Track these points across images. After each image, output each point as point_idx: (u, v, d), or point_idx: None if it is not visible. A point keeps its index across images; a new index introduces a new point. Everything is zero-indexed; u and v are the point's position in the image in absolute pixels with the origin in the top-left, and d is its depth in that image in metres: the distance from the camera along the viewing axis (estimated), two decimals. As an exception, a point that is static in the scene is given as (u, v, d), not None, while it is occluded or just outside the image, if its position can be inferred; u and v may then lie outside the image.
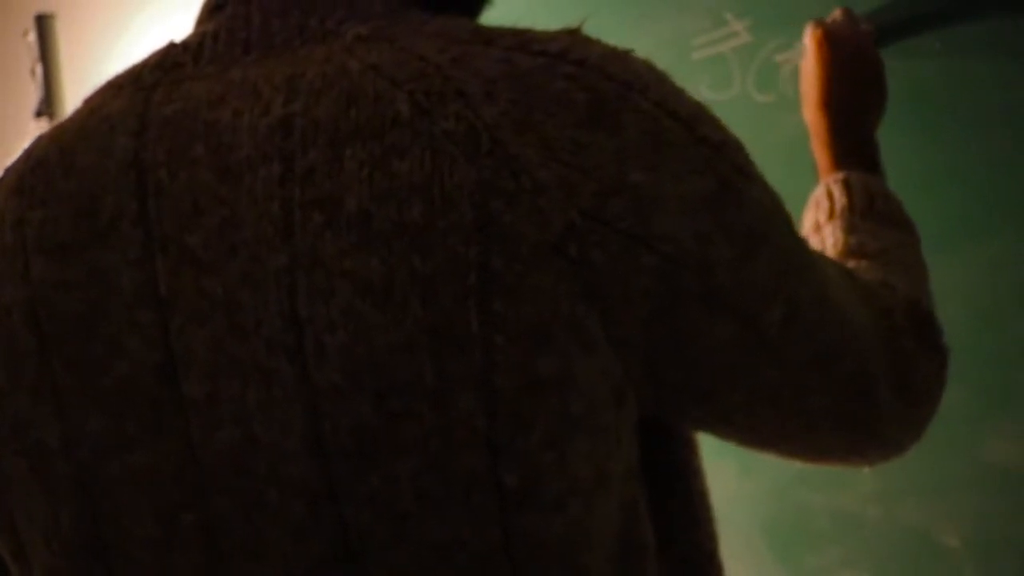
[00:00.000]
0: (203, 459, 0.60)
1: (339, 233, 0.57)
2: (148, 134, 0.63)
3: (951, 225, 1.15)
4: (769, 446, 0.73)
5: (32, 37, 1.76)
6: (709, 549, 0.72)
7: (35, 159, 0.67)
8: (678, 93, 0.64)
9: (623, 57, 0.63)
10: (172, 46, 0.68)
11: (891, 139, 1.17)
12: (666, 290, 0.60)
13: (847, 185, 0.94)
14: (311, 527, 0.59)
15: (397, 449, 0.57)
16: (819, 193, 0.95)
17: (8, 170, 0.68)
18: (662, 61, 1.30)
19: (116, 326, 0.61)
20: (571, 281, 0.58)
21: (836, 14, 1.12)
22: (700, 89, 1.27)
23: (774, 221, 0.66)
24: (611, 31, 1.32)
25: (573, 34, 0.64)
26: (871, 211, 0.91)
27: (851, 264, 0.84)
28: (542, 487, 0.59)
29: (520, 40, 0.62)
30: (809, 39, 1.08)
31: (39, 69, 1.74)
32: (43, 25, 1.75)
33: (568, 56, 0.61)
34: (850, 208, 0.92)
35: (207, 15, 0.69)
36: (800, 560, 1.29)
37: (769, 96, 1.25)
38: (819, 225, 0.91)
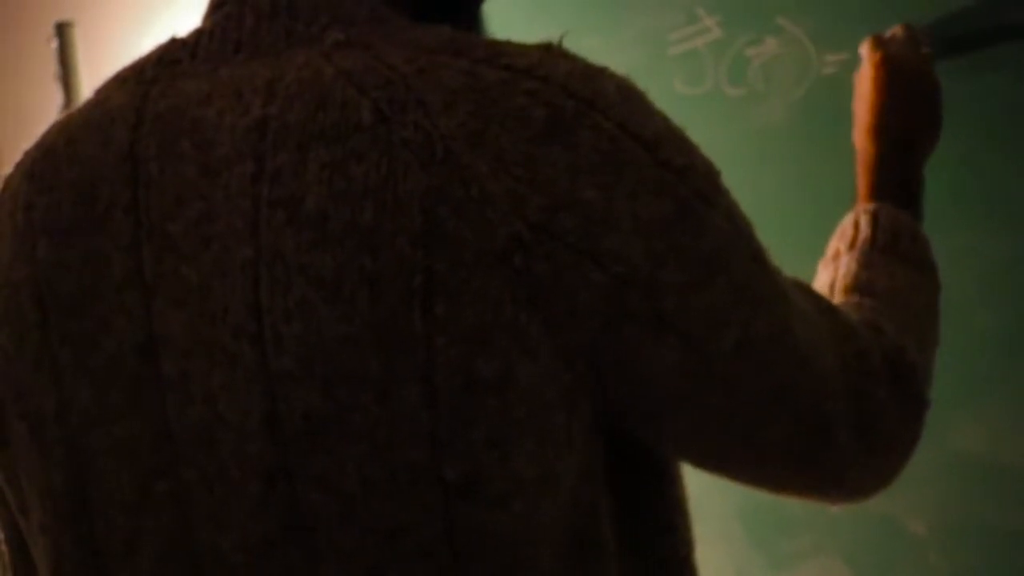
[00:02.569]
0: (176, 433, 0.64)
1: (298, 230, 0.60)
2: (143, 128, 0.67)
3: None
4: (724, 473, 0.73)
5: (54, 44, 1.83)
6: (683, 554, 0.73)
7: (46, 146, 0.72)
8: (646, 115, 0.65)
9: (592, 75, 0.64)
10: (173, 42, 0.72)
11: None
12: (613, 308, 0.61)
13: (875, 218, 0.91)
14: (267, 502, 0.62)
15: (345, 435, 0.61)
16: (847, 221, 0.93)
17: (26, 154, 0.74)
18: (640, 57, 1.33)
19: (106, 306, 0.66)
20: (515, 289, 0.60)
21: (897, 30, 1.08)
22: (675, 84, 1.30)
23: (736, 250, 0.66)
24: (591, 30, 1.37)
25: (548, 49, 0.65)
26: (893, 248, 0.89)
27: (853, 299, 0.84)
28: (484, 483, 0.61)
29: (490, 53, 0.63)
30: (866, 59, 1.05)
31: (59, 75, 1.82)
32: (63, 32, 1.82)
33: (534, 72, 0.62)
34: (871, 242, 0.89)
35: (210, 12, 0.72)
36: (774, 545, 1.31)
37: (740, 90, 1.28)
38: (838, 253, 0.90)
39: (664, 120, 0.66)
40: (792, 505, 1.31)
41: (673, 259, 0.62)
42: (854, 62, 1.22)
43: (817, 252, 1.27)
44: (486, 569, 0.62)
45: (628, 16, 1.34)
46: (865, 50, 1.05)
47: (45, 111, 1.96)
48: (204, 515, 0.64)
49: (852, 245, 0.90)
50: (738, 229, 0.66)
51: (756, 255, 0.67)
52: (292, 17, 0.67)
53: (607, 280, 0.61)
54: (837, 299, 0.83)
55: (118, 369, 0.66)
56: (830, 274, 0.88)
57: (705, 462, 0.72)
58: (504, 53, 0.63)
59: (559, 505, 0.63)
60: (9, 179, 0.73)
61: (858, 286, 0.85)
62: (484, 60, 0.62)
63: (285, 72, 0.64)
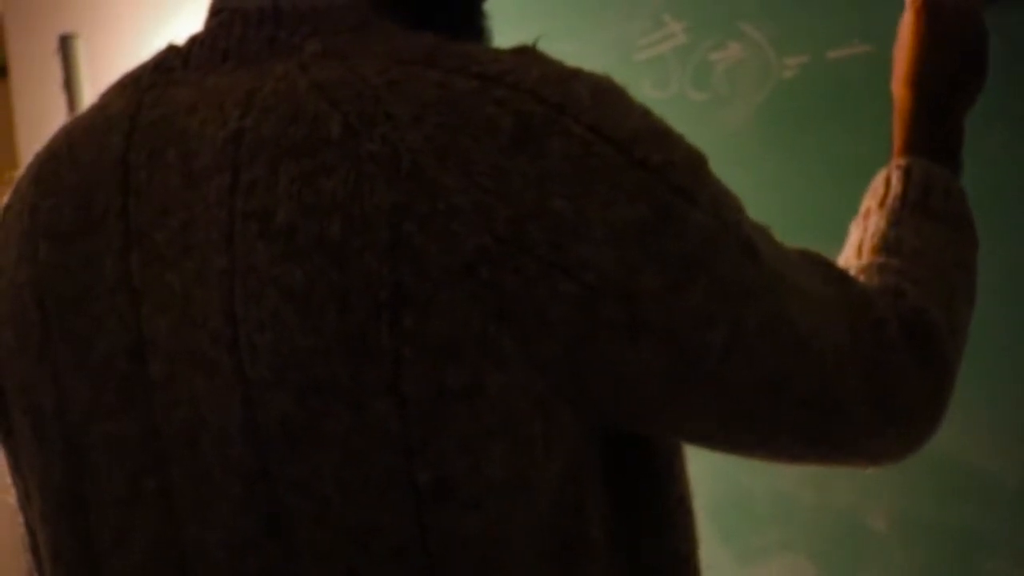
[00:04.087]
0: (163, 432, 0.66)
1: (270, 243, 0.61)
2: (136, 135, 0.68)
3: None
4: (737, 454, 0.72)
5: (59, 56, 1.88)
6: (684, 552, 0.72)
7: (51, 151, 0.74)
8: (621, 114, 0.63)
9: (564, 79, 0.63)
10: (170, 48, 0.72)
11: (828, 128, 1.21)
12: (586, 318, 0.60)
13: (907, 174, 0.88)
14: (247, 503, 0.64)
15: (318, 442, 0.62)
16: (879, 177, 0.89)
17: (35, 157, 0.76)
18: (609, 63, 1.35)
19: (100, 308, 0.68)
20: (483, 301, 0.59)
21: None
22: (643, 89, 1.32)
23: (721, 245, 0.64)
24: (562, 36, 1.39)
25: (523, 53, 0.64)
26: (923, 204, 0.86)
27: (878, 260, 0.81)
28: (456, 488, 0.61)
29: (463, 62, 0.63)
30: (908, 4, 0.97)
31: (64, 85, 1.86)
32: (66, 45, 1.87)
33: (504, 79, 0.62)
34: (902, 199, 0.86)
35: (207, 20, 0.73)
36: (742, 541, 1.33)
37: (704, 94, 1.30)
38: (869, 211, 0.87)
39: (643, 117, 0.64)
40: (759, 502, 1.34)
41: (650, 264, 0.61)
42: (813, 66, 1.25)
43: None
44: (461, 570, 0.63)
45: (599, 22, 1.37)
46: None
47: (54, 118, 2.02)
48: (190, 512, 0.66)
49: (882, 203, 0.87)
50: (723, 221, 0.64)
51: (745, 244, 0.65)
52: (276, 26, 0.68)
53: (579, 290, 0.60)
54: (864, 259, 0.82)
55: (111, 369, 0.68)
56: (859, 233, 0.86)
57: (714, 447, 0.71)
58: (478, 61, 0.63)
59: (538, 507, 0.63)
60: (19, 181, 0.75)
61: (886, 246, 0.82)
62: (457, 70, 0.62)
63: (264, 83, 0.65)
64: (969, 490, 1.15)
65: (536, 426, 0.62)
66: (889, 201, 0.86)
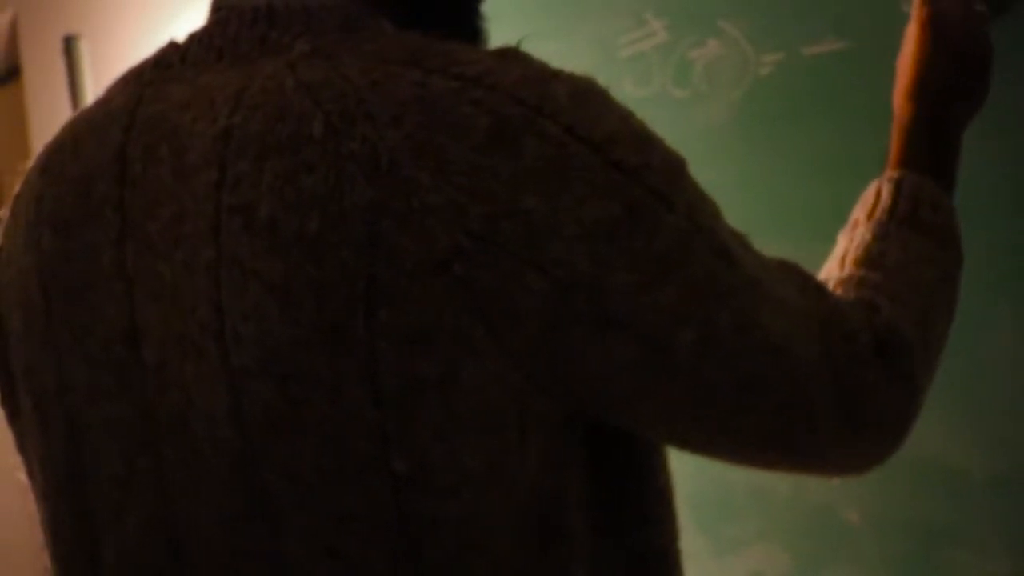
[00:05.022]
0: (157, 415, 0.69)
1: (253, 237, 0.63)
2: (134, 130, 0.70)
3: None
4: (708, 455, 0.73)
5: (63, 55, 1.91)
6: (664, 545, 0.74)
7: (57, 143, 0.76)
8: (599, 116, 0.64)
9: (543, 80, 0.64)
10: (170, 45, 0.75)
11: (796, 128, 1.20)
12: (557, 312, 0.62)
13: (898, 187, 0.87)
14: (235, 483, 0.67)
15: (299, 428, 0.64)
16: (870, 189, 0.89)
17: (43, 148, 0.79)
18: (592, 61, 1.38)
19: (99, 295, 0.70)
20: (456, 296, 0.61)
21: None
22: (626, 86, 1.34)
23: (695, 247, 0.65)
24: (546, 35, 1.41)
25: (505, 54, 0.65)
26: (911, 219, 0.85)
27: (858, 274, 0.81)
28: (433, 475, 0.63)
29: (445, 62, 0.64)
30: (913, 15, 0.97)
31: (68, 83, 1.90)
32: (70, 45, 1.90)
33: (483, 80, 0.63)
34: (890, 212, 0.86)
35: (208, 18, 0.75)
36: (719, 531, 1.34)
37: (685, 91, 1.31)
38: (857, 222, 0.87)
39: (623, 120, 0.65)
40: (736, 493, 1.35)
41: (621, 262, 0.62)
42: (789, 63, 1.26)
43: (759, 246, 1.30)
44: (439, 553, 0.64)
45: (583, 21, 1.39)
46: (913, 4, 0.97)
47: (64, 117, 2.06)
48: (182, 490, 0.69)
49: (871, 215, 0.87)
50: (697, 225, 0.66)
51: (720, 249, 0.66)
52: (269, 25, 0.69)
53: (550, 286, 0.61)
54: (846, 271, 0.82)
55: (108, 353, 0.70)
56: (845, 244, 0.86)
57: (685, 447, 0.72)
58: (459, 62, 0.64)
59: (516, 495, 0.65)
60: (29, 171, 0.78)
61: (868, 259, 0.82)
62: (438, 70, 0.64)
63: (253, 82, 0.67)
64: (938, 485, 1.16)
65: (512, 416, 0.64)
66: (877, 213, 0.86)
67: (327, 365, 0.62)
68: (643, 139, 0.66)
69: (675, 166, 0.67)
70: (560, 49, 1.36)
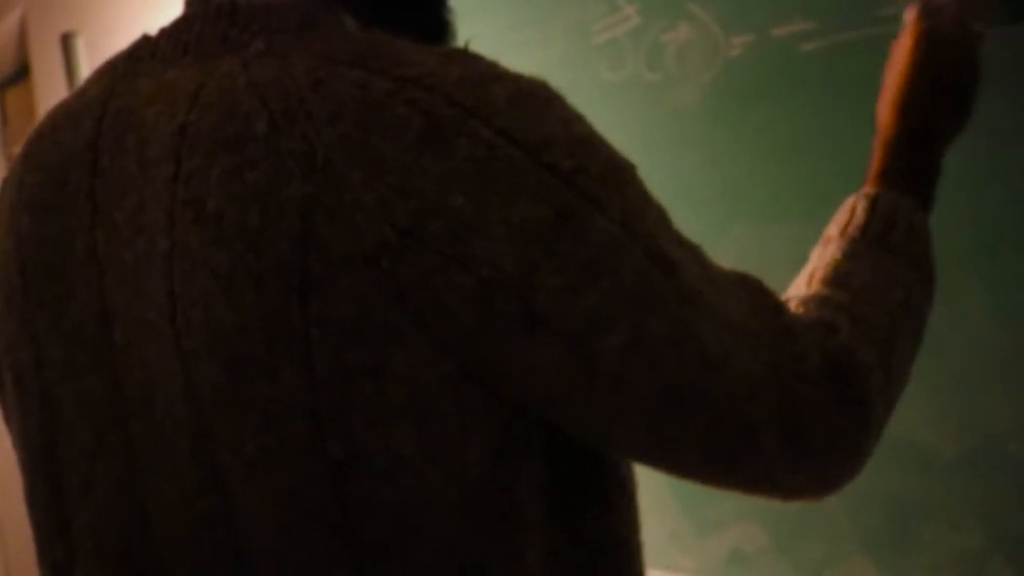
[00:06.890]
0: (125, 392, 0.72)
1: (202, 228, 0.66)
2: (105, 122, 0.73)
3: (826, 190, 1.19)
4: (654, 468, 0.72)
5: (61, 52, 1.94)
6: (623, 535, 0.74)
7: (39, 131, 0.80)
8: (537, 120, 0.65)
9: (483, 82, 0.65)
10: (143, 39, 0.77)
11: (764, 109, 1.22)
12: (482, 309, 0.63)
13: (873, 204, 0.86)
14: (192, 458, 0.70)
15: (243, 409, 0.67)
16: (846, 204, 0.87)
17: (28, 136, 0.82)
18: (569, 47, 1.39)
19: (73, 277, 0.74)
20: (385, 289, 0.63)
21: None
22: (600, 71, 1.35)
23: (627, 253, 0.65)
24: (522, 23, 1.42)
25: (451, 55, 0.67)
26: (883, 239, 0.84)
27: (822, 292, 0.79)
28: (368, 459, 0.65)
29: (388, 63, 0.66)
30: (907, 29, 0.94)
31: (66, 79, 1.93)
32: (68, 42, 1.93)
33: (422, 81, 0.65)
34: (863, 230, 0.84)
35: (182, 11, 0.77)
36: (701, 513, 1.36)
37: (657, 75, 1.32)
38: (829, 239, 0.85)
39: (564, 123, 0.66)
40: (717, 474, 1.36)
41: (549, 263, 0.63)
42: (758, 44, 1.27)
43: (727, 228, 1.30)
44: (378, 534, 0.67)
45: (559, 8, 1.39)
46: (909, 17, 0.94)
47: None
48: (147, 463, 0.72)
49: (843, 231, 0.85)
50: (631, 231, 0.66)
51: (657, 256, 0.66)
52: (231, 23, 0.72)
53: (475, 283, 0.63)
54: (812, 289, 0.81)
55: (82, 333, 0.73)
56: (815, 260, 0.84)
57: (631, 457, 0.72)
58: (402, 63, 0.66)
59: (461, 482, 0.67)
60: (16, 157, 0.82)
61: (835, 278, 0.81)
62: (379, 71, 0.65)
63: (210, 80, 0.69)
64: (909, 462, 1.17)
65: (448, 404, 0.66)
66: (850, 230, 0.84)
67: (266, 351, 0.65)
68: (583, 144, 0.66)
69: (616, 172, 0.67)
70: (535, 37, 1.37)
